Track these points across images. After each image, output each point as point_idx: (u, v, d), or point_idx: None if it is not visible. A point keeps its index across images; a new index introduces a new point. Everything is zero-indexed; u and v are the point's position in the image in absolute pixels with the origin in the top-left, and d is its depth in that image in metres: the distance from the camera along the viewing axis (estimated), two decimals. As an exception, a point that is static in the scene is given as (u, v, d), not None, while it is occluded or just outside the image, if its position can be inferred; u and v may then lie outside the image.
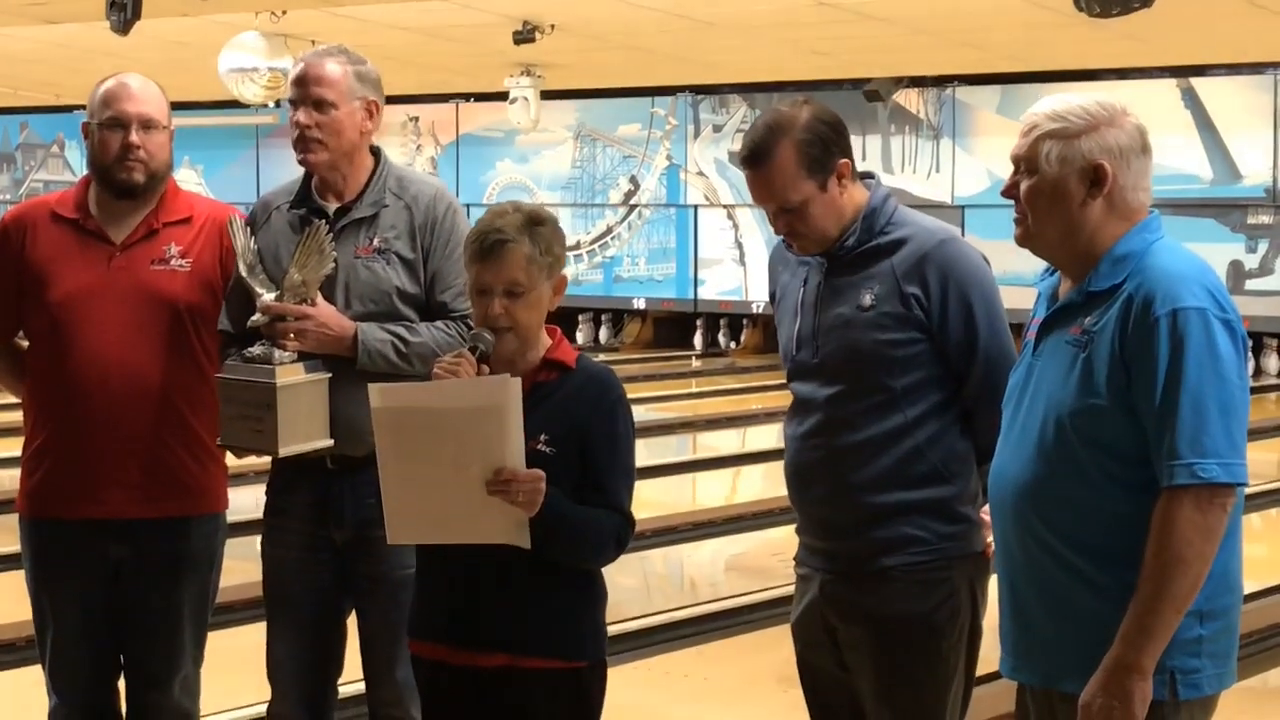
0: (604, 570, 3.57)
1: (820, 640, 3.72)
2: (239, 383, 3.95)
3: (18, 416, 4.43)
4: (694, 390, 15.58)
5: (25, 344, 4.29)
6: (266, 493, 4.22)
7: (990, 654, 3.38)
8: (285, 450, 3.94)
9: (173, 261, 4.17)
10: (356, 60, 4.17)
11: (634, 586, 8.41)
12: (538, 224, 3.49)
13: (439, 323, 4.06)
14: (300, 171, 4.22)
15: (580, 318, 19.52)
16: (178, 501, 4.17)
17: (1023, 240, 3.14)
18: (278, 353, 3.94)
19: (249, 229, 4.11)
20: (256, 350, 3.96)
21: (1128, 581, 2.93)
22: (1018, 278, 3.29)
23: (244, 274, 4.02)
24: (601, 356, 18.43)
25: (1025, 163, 3.10)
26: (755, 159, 3.60)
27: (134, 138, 4.13)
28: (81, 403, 4.08)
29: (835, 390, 3.63)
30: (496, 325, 3.47)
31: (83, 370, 4.08)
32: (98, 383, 4.08)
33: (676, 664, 6.63)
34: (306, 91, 4.13)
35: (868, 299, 3.60)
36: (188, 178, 21.61)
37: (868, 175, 3.72)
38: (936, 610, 3.59)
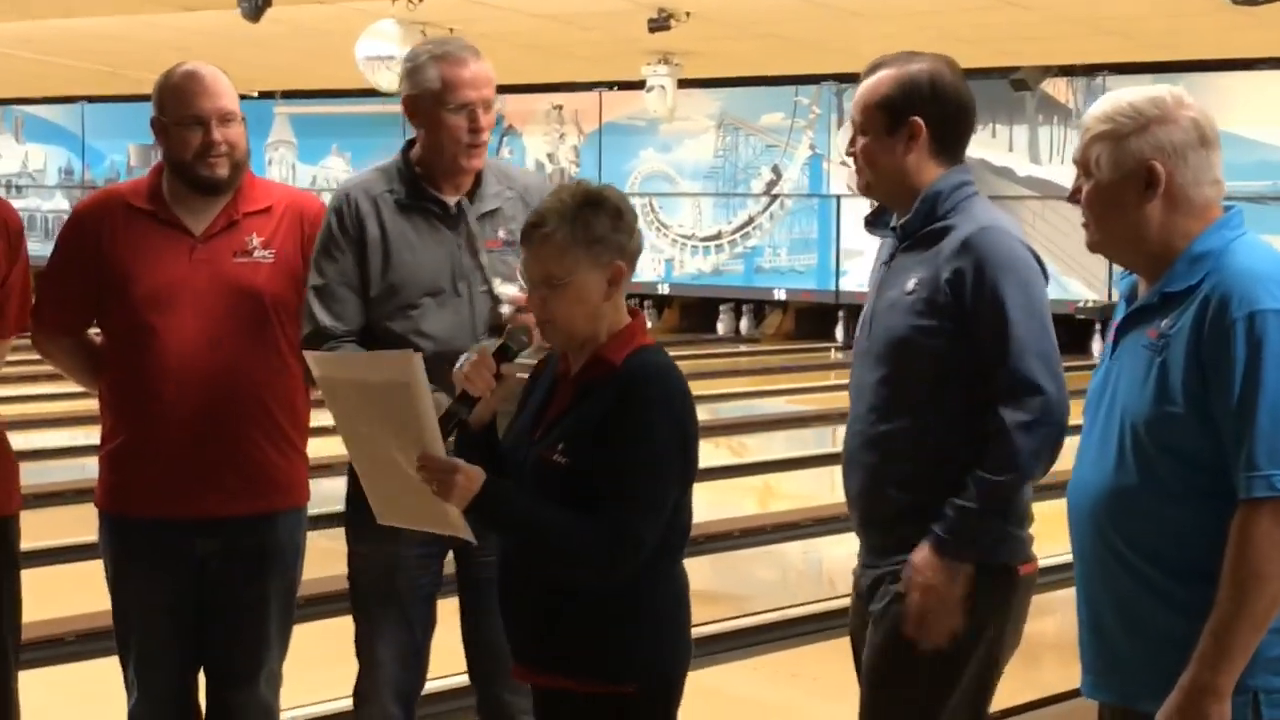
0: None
1: (862, 639, 3.59)
2: None
3: (88, 405, 4.40)
4: (834, 383, 15.39)
5: (98, 338, 4.24)
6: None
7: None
8: None
9: (255, 253, 4.10)
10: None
11: (771, 580, 8.33)
12: (589, 205, 3.20)
13: None
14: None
15: (721, 308, 19.45)
16: (266, 498, 4.12)
17: (1092, 246, 3.03)
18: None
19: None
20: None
21: (1208, 597, 2.80)
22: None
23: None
24: (742, 348, 18.36)
25: (1081, 167, 2.99)
26: (869, 68, 3.53)
27: (216, 135, 4.03)
28: (168, 400, 4.03)
29: (877, 377, 3.49)
30: (539, 319, 3.26)
31: (168, 367, 4.02)
32: (184, 380, 4.02)
33: (805, 660, 6.50)
34: (484, 94, 4.06)
35: (911, 283, 3.46)
36: (336, 165, 21.83)
37: (958, 162, 3.55)
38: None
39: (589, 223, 3.19)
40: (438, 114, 4.03)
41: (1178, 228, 2.92)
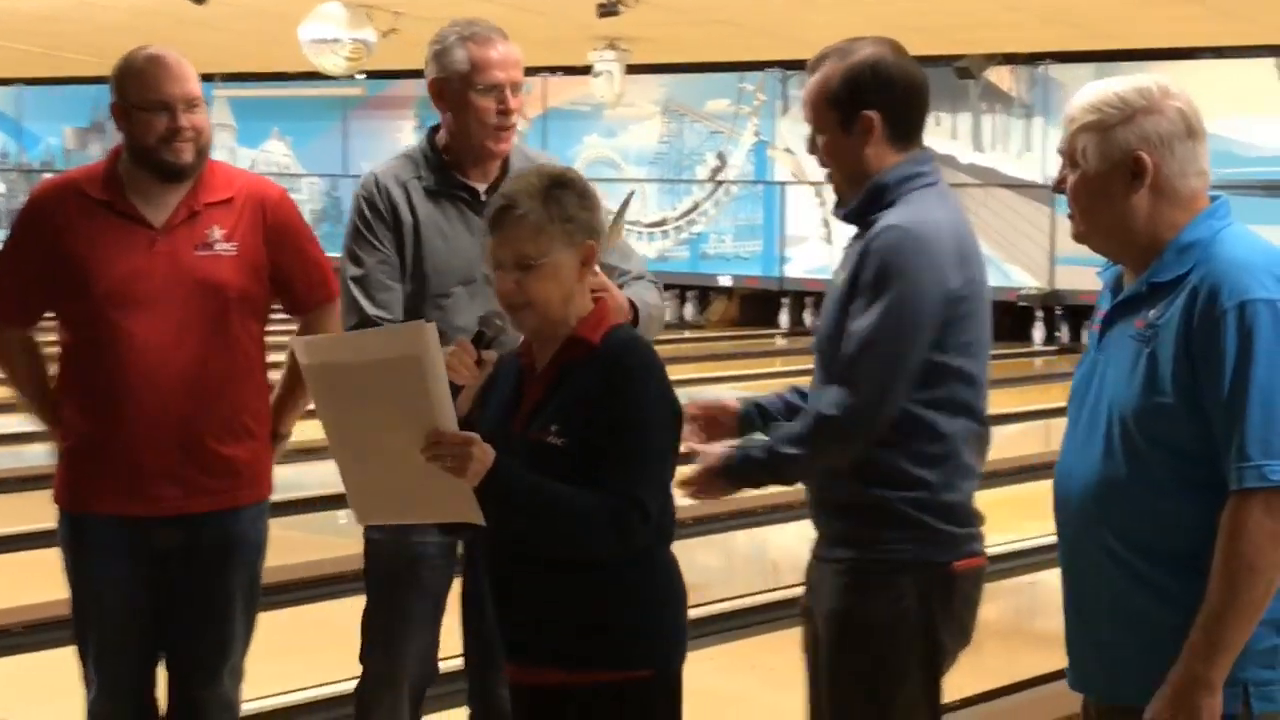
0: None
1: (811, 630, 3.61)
2: None
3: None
4: (779, 369, 15.40)
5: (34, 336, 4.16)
6: None
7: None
8: None
9: (217, 246, 4.01)
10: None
11: (722, 568, 8.31)
12: (557, 187, 3.17)
13: None
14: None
15: (666, 294, 19.37)
16: (230, 493, 4.06)
17: (1077, 237, 3.00)
18: None
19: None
20: None
21: (1198, 589, 2.78)
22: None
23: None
24: (687, 334, 18.35)
25: (1067, 158, 2.96)
26: (812, 63, 3.50)
27: (183, 121, 3.96)
28: (129, 397, 3.95)
29: (817, 368, 3.51)
30: (510, 302, 3.19)
31: (129, 363, 3.94)
32: (145, 376, 3.95)
33: (761, 650, 6.50)
34: (512, 75, 3.99)
35: (843, 275, 3.46)
36: (276, 149, 21.72)
37: (923, 155, 3.52)
38: (871, 613, 3.42)
39: (561, 201, 3.17)
40: (466, 96, 3.97)
41: (1165, 218, 2.90)
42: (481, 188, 4.03)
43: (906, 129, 3.50)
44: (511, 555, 3.21)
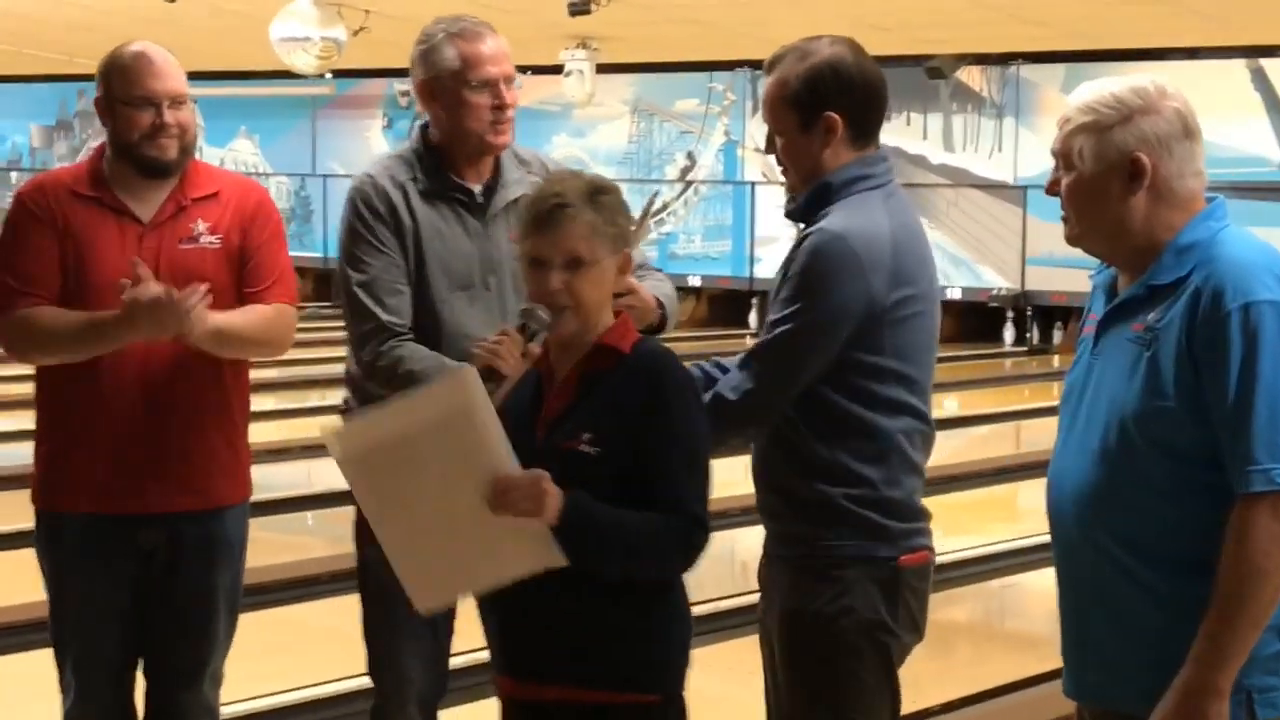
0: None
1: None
2: None
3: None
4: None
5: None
6: None
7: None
8: None
9: (202, 239, 3.98)
10: None
11: (702, 570, 8.25)
12: (601, 192, 3.10)
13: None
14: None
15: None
16: (216, 491, 4.02)
17: (1072, 240, 2.97)
18: None
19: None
20: None
21: (1199, 595, 2.75)
22: (1090, 262, 3.07)
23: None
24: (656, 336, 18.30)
25: (1062, 159, 2.93)
26: (769, 63, 3.47)
27: (168, 117, 3.94)
28: (112, 393, 3.91)
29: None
30: (555, 303, 3.08)
31: (115, 360, 3.88)
32: (128, 371, 3.90)
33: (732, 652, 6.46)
34: (505, 69, 3.89)
35: (779, 275, 3.46)
36: (243, 148, 21.63)
37: (874, 157, 3.50)
38: (819, 609, 3.40)
39: (608, 206, 3.10)
40: (459, 94, 3.87)
41: (1162, 220, 2.88)
42: (476, 188, 3.94)
43: (865, 129, 3.49)
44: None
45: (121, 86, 3.96)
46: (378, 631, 4.01)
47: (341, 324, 4.01)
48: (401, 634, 3.93)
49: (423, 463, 2.91)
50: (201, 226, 3.98)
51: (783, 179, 3.57)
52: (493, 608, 3.18)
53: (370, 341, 3.82)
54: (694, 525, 3.02)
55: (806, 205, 3.46)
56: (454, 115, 3.90)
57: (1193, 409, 2.78)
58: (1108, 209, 2.89)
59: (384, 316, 3.83)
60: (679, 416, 3.06)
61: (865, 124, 3.48)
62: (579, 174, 3.19)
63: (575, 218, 3.05)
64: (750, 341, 15.57)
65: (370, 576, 3.98)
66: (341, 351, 4.17)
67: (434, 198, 3.92)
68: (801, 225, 3.49)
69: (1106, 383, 2.89)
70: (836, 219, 3.39)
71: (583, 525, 2.95)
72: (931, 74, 16.31)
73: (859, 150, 3.47)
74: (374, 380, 3.82)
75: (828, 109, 3.42)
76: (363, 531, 3.86)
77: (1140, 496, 2.83)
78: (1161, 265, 2.87)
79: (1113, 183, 2.87)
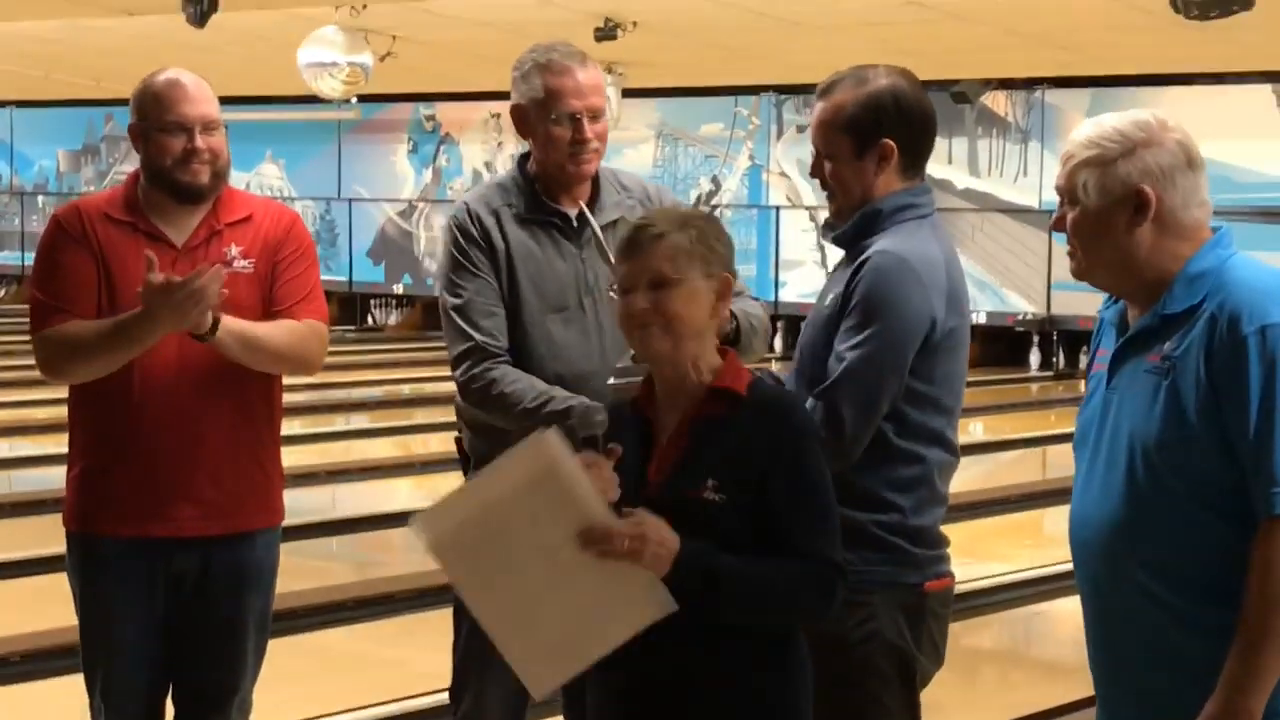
0: None
1: None
2: None
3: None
4: (773, 394, 15.33)
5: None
6: None
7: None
8: None
9: (236, 263, 3.99)
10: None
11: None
12: (697, 216, 3.05)
13: None
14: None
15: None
16: (247, 516, 4.02)
17: (1078, 274, 2.96)
18: None
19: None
20: None
21: (1232, 620, 2.74)
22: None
23: None
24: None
25: (1066, 195, 2.93)
26: (824, 87, 3.49)
27: (200, 142, 3.96)
28: (148, 416, 3.91)
29: (795, 374, 3.50)
30: (643, 321, 2.96)
31: (147, 381, 3.90)
32: (163, 396, 3.91)
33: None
34: (590, 103, 3.89)
35: (829, 298, 3.46)
36: (270, 172, 21.68)
37: (921, 188, 3.52)
38: (843, 633, 3.37)
39: (700, 229, 3.01)
40: (543, 124, 3.90)
41: (1168, 250, 2.88)
42: (573, 213, 3.95)
43: (916, 160, 3.52)
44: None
45: (154, 112, 3.98)
46: (467, 657, 3.99)
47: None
48: (493, 669, 3.90)
49: (516, 528, 2.82)
50: (235, 251, 4.00)
51: (809, 204, 3.58)
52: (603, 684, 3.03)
53: (465, 362, 3.86)
54: (835, 573, 2.94)
55: (853, 232, 3.47)
56: (539, 144, 3.94)
57: (1216, 435, 2.78)
58: (1114, 242, 2.89)
59: (479, 338, 3.87)
60: (811, 463, 2.97)
61: (917, 154, 3.50)
62: (677, 205, 3.17)
63: (659, 239, 2.98)
64: (776, 366, 15.58)
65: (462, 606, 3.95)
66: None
67: (529, 222, 3.95)
68: (838, 249, 3.51)
69: (1126, 415, 2.89)
70: (893, 242, 3.40)
71: (701, 568, 2.84)
72: (957, 99, 16.30)
73: (908, 180, 3.49)
74: (467, 400, 3.87)
75: (885, 136, 3.44)
76: None
77: (1172, 527, 2.82)
78: (1173, 295, 2.87)
79: (1118, 216, 2.88)
